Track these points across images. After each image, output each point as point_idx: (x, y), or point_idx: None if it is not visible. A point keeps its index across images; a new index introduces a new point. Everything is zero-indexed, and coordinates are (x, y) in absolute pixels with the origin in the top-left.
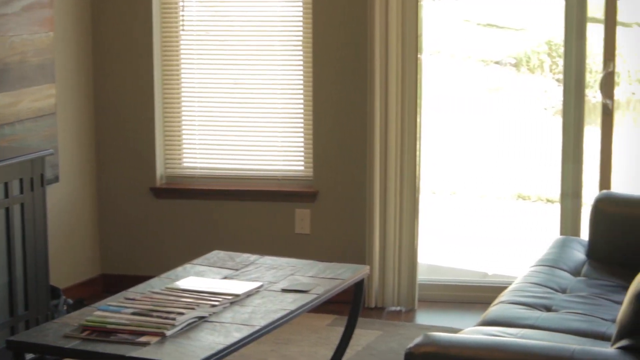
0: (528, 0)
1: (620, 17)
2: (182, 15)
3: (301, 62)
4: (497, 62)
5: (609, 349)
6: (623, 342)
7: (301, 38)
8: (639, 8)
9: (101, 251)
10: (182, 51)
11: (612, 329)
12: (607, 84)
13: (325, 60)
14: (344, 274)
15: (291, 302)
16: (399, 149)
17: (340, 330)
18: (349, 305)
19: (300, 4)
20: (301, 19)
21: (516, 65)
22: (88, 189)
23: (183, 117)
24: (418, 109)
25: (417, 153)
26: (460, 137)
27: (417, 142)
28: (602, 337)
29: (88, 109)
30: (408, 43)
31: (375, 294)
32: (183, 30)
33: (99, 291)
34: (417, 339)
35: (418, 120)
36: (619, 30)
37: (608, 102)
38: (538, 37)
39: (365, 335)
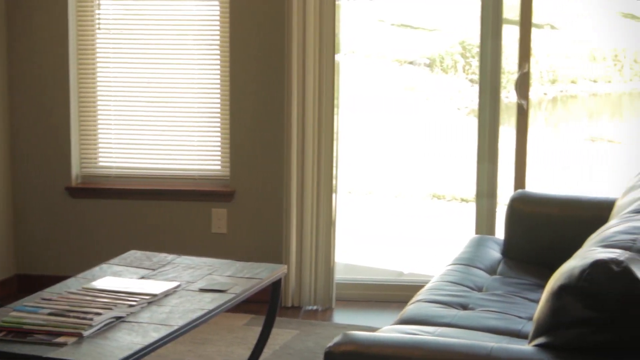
0: (442, 1)
1: (534, 18)
2: (98, 14)
3: (218, 61)
4: (411, 62)
5: (526, 346)
6: (540, 340)
7: (218, 37)
8: (551, 10)
9: (16, 251)
10: (98, 50)
11: (528, 327)
12: (522, 85)
13: (242, 60)
14: (262, 273)
15: (209, 302)
16: (316, 148)
17: (257, 330)
18: (266, 305)
19: (217, 3)
20: (218, 18)
21: (430, 65)
22: (2, 188)
23: (99, 116)
24: (335, 109)
25: (334, 153)
26: (376, 137)
27: (334, 142)
28: (518, 335)
29: (3, 108)
30: (325, 43)
31: (292, 293)
32: (99, 29)
33: (13, 292)
34: (337, 338)
35: (335, 120)
36: (537, 32)
37: (523, 102)
38: (452, 37)
39: (282, 335)
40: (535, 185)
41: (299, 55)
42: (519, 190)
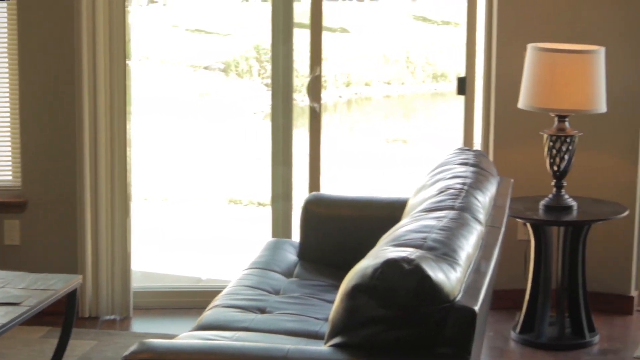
0: (235, 5)
1: (327, 22)
2: None
3: (6, 68)
4: (206, 68)
5: (322, 347)
6: (335, 340)
7: (6, 43)
8: (343, 13)
9: None
10: None
11: (325, 328)
12: (314, 88)
13: (31, 67)
14: (56, 284)
15: (2, 316)
16: (109, 156)
17: (54, 342)
18: (63, 316)
19: (4, 7)
20: (5, 22)
21: (225, 70)
22: None
23: None
24: (128, 116)
25: (128, 160)
26: (171, 142)
27: (128, 149)
28: (316, 336)
29: None
30: (116, 49)
31: (89, 304)
32: None
33: None
34: (133, 347)
35: (128, 126)
36: (326, 35)
37: (315, 105)
38: (246, 42)
39: (80, 346)
40: (332, 187)
41: (90, 62)
42: (313, 193)
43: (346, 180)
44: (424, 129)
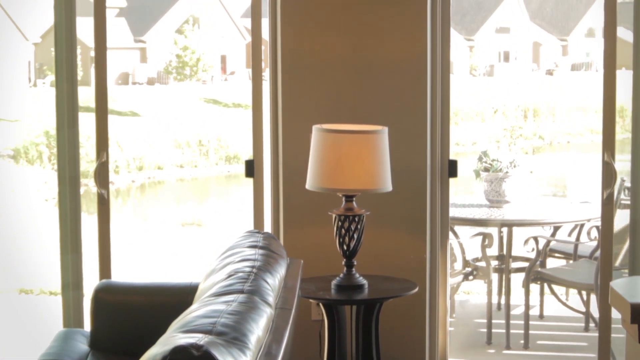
0: (23, 90)
1: (116, 106)
2: None
3: None
4: None
5: None
6: None
7: None
8: (133, 97)
9: None
10: None
11: None
12: (102, 174)
13: None
14: None
15: None
16: None
17: None
18: None
19: None
20: None
21: (14, 157)
22: None
23: None
24: None
25: None
26: None
27: None
28: None
29: None
30: None
31: None
32: None
33: None
34: None
35: None
36: (116, 119)
37: (103, 192)
38: (35, 128)
39: None
40: (126, 273)
41: None
42: (103, 280)
43: (141, 265)
44: (218, 212)
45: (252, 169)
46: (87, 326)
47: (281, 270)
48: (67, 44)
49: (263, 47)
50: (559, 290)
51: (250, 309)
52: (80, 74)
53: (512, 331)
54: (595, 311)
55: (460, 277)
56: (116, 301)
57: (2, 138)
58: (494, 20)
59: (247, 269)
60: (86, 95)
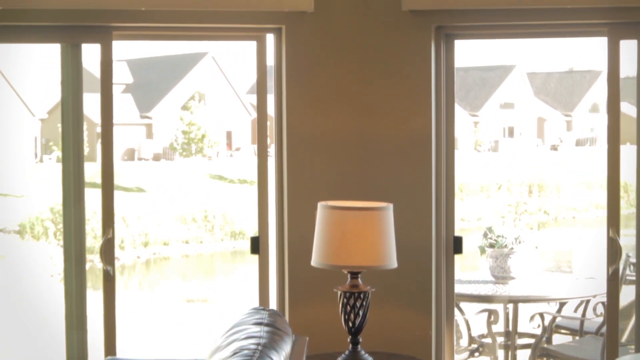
0: (29, 166)
1: (122, 182)
2: None
3: None
4: (1, 230)
5: None
6: None
7: None
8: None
9: None
10: None
11: None
12: (107, 251)
13: None
14: None
15: None
16: None
17: None
18: None
19: None
20: None
21: (20, 232)
22: None
23: None
24: None
25: None
26: None
27: None
28: None
29: None
30: None
31: None
32: None
33: None
34: None
35: None
36: (122, 195)
37: (109, 268)
38: (41, 203)
39: None
40: (131, 350)
41: None
42: (109, 357)
43: (146, 341)
44: (224, 288)
45: (257, 245)
46: None
47: (286, 348)
48: (73, 120)
49: (268, 123)
50: None
51: None
52: (86, 149)
53: None
54: None
55: (466, 353)
56: None
57: (8, 213)
58: (499, 95)
59: (253, 347)
60: (92, 171)
